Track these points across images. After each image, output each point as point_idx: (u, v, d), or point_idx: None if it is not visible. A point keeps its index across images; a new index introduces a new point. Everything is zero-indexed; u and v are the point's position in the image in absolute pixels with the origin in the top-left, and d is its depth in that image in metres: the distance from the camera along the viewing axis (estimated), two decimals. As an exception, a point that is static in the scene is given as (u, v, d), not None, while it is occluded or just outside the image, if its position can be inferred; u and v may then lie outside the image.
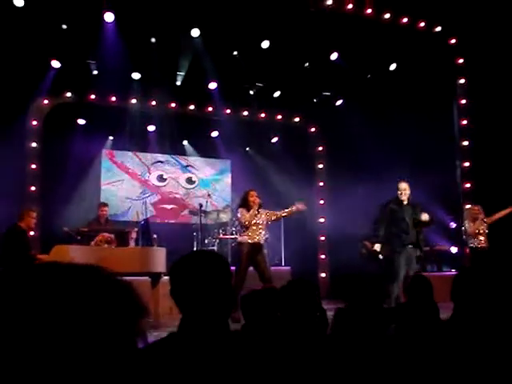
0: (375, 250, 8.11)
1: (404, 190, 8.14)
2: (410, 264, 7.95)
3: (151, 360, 1.71)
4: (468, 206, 9.47)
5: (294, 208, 8.23)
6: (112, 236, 7.29)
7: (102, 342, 0.88)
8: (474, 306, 3.33)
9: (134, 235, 7.58)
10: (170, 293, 1.86)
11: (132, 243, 7.52)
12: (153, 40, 10.75)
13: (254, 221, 7.90)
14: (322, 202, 13.70)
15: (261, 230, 7.97)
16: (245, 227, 8.03)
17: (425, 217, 8.04)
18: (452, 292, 3.47)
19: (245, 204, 8.07)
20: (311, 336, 2.75)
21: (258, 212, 7.99)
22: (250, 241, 7.84)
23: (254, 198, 7.99)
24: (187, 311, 1.81)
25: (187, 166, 13.77)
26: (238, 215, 8.17)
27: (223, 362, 1.70)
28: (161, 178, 13.42)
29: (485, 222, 9.06)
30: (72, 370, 0.84)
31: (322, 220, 13.59)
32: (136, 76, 11.34)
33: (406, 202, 8.18)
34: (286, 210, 8.29)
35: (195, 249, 10.93)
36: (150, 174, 13.32)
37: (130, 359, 0.94)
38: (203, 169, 13.92)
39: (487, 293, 3.25)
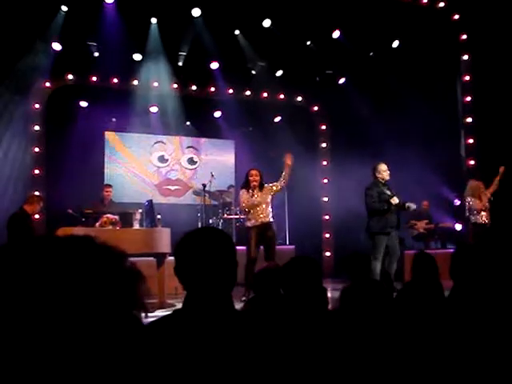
0: (398, 204, 8.15)
1: (385, 170, 8.24)
2: (393, 243, 8.06)
3: (155, 335, 1.72)
4: (471, 182, 9.43)
5: (286, 168, 8.09)
6: (116, 217, 7.29)
7: (100, 311, 0.89)
8: (472, 283, 3.33)
9: (138, 216, 7.59)
10: (174, 270, 1.86)
11: (136, 224, 7.53)
12: (153, 20, 10.71)
13: (259, 200, 7.81)
14: (325, 180, 13.71)
15: (266, 209, 7.88)
16: (246, 211, 7.99)
17: (412, 207, 8.27)
18: (451, 269, 3.47)
19: (245, 185, 8.01)
20: (311, 313, 2.76)
21: (261, 190, 7.91)
22: (256, 223, 7.78)
23: (253, 177, 7.90)
24: (191, 288, 1.82)
25: (189, 146, 13.76)
26: (240, 197, 8.13)
27: (226, 338, 1.71)
28: (162, 159, 13.41)
29: (487, 197, 9.07)
30: (71, 340, 0.85)
31: (325, 199, 13.61)
32: (137, 57, 11.30)
33: (384, 183, 8.27)
34: (282, 175, 8.11)
35: (199, 229, 10.95)
36: (151, 154, 13.32)
37: (131, 328, 0.94)
38: (206, 149, 13.91)
39: (486, 269, 3.25)
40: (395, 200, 8.04)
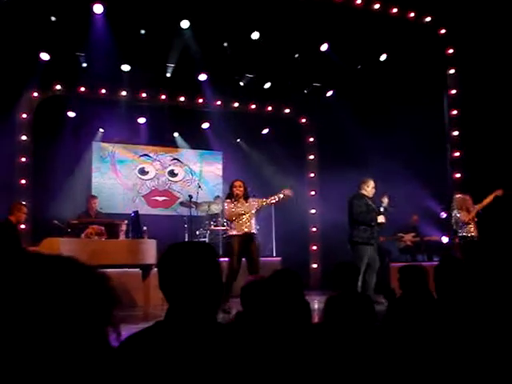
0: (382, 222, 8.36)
1: (373, 187, 8.47)
2: (374, 255, 8.19)
3: (136, 347, 1.72)
4: (458, 195, 9.47)
5: (281, 195, 8.19)
6: (102, 228, 7.26)
7: (72, 329, 0.89)
8: (456, 296, 3.35)
9: (124, 227, 7.56)
10: (158, 284, 1.86)
11: (122, 235, 7.50)
12: (142, 32, 10.71)
13: (241, 211, 7.84)
14: (313, 193, 13.73)
15: (249, 220, 7.91)
16: (229, 220, 8.02)
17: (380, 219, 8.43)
18: (435, 283, 3.49)
19: (229, 195, 8.05)
20: (294, 326, 2.76)
21: (246, 202, 7.94)
22: (238, 233, 7.80)
23: (237, 188, 7.94)
24: (174, 301, 1.82)
25: (176, 158, 13.73)
26: (224, 207, 8.16)
27: (207, 352, 1.71)
28: (147, 172, 13.36)
29: (475, 211, 9.09)
30: (41, 356, 0.85)
31: (313, 211, 13.63)
32: (126, 68, 11.30)
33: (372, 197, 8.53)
34: (275, 197, 8.21)
35: (186, 240, 10.94)
36: (138, 166, 13.29)
37: (101, 348, 0.95)
38: (194, 160, 13.90)
39: (470, 282, 3.27)
40: (381, 219, 8.20)
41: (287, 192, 8.21)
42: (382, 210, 8.39)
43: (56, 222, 8.53)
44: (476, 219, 9.11)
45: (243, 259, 7.86)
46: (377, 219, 8.25)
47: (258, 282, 3.57)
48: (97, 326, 0.93)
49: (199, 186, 12.27)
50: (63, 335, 0.88)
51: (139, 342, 1.75)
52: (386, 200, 8.49)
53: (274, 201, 8.20)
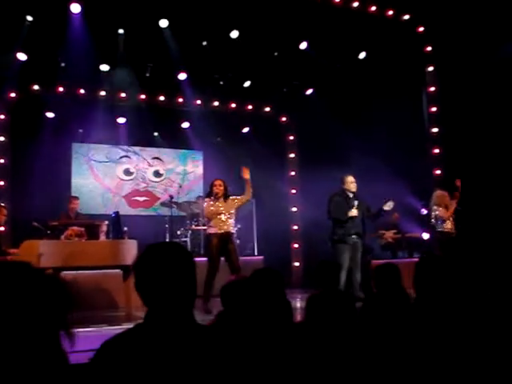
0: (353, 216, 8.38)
1: (351, 182, 8.49)
2: (354, 253, 8.23)
3: (116, 350, 1.70)
4: (437, 192, 9.53)
5: (246, 183, 8.11)
6: (82, 229, 7.20)
7: (20, 331, 0.89)
8: (435, 293, 3.37)
9: (104, 228, 7.50)
10: (134, 286, 1.85)
11: (102, 236, 7.45)
12: (121, 31, 10.65)
13: (221, 210, 7.84)
14: (294, 191, 13.75)
15: (229, 219, 7.90)
16: (208, 219, 8.00)
17: (388, 206, 8.58)
18: (414, 280, 3.51)
19: (209, 194, 8.05)
20: (275, 325, 2.75)
21: (225, 201, 7.94)
22: (218, 231, 7.80)
23: (217, 187, 7.94)
24: (151, 303, 1.81)
25: (156, 157, 13.68)
26: (204, 206, 8.15)
27: (187, 353, 1.70)
28: (127, 172, 13.30)
29: (454, 207, 9.16)
30: None
31: (294, 209, 13.64)
32: (104, 68, 11.23)
33: (352, 195, 8.54)
34: (245, 190, 8.16)
35: (167, 240, 10.90)
36: (119, 166, 13.22)
37: (51, 350, 0.94)
38: (174, 160, 13.86)
39: (449, 279, 3.28)
40: (352, 213, 8.25)
41: (245, 175, 8.08)
42: (355, 203, 8.42)
43: (35, 223, 8.45)
44: (454, 215, 9.18)
45: (222, 259, 7.87)
46: (347, 214, 8.29)
47: (239, 282, 3.56)
48: (47, 329, 0.92)
49: (180, 186, 12.24)
50: (12, 337, 0.88)
51: (119, 345, 1.74)
52: (390, 204, 8.54)
53: (245, 194, 8.12)
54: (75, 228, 7.18)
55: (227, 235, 7.83)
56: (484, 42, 9.87)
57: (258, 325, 2.73)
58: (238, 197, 8.14)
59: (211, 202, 7.93)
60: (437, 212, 9.19)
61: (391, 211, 10.48)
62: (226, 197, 7.97)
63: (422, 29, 11.41)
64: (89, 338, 5.62)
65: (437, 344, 2.91)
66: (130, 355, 1.68)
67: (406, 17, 11.23)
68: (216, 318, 3.70)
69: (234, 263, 7.75)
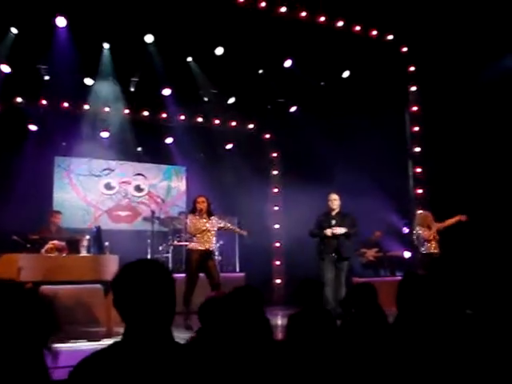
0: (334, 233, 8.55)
1: (333, 200, 8.59)
2: (337, 271, 8.39)
3: (93, 367, 1.69)
4: (420, 212, 9.58)
5: (242, 231, 8.43)
6: (63, 244, 7.15)
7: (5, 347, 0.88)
8: (416, 311, 3.38)
9: (85, 243, 7.45)
10: (113, 303, 1.84)
11: (83, 251, 7.40)
12: (106, 45, 10.65)
13: (204, 227, 7.83)
14: (276, 208, 13.75)
15: (211, 237, 7.90)
16: (191, 235, 7.99)
17: (340, 230, 8.59)
18: (397, 298, 3.52)
19: (193, 210, 8.05)
20: (254, 342, 2.74)
21: (209, 218, 7.94)
22: (199, 247, 7.79)
23: (200, 204, 7.93)
24: (130, 320, 1.79)
25: (138, 173, 13.62)
26: (187, 222, 8.16)
27: (165, 371, 1.69)
28: (110, 187, 13.24)
29: (437, 228, 9.18)
30: None
31: (276, 226, 13.63)
32: (89, 82, 11.21)
33: (334, 212, 8.65)
34: (236, 228, 8.45)
35: (149, 256, 10.85)
36: (101, 180, 13.15)
37: (35, 368, 0.94)
38: (157, 175, 13.82)
39: (431, 298, 3.30)
40: (327, 232, 8.35)
41: (245, 233, 8.39)
42: (333, 222, 8.51)
43: (15, 237, 8.37)
44: (437, 237, 9.20)
45: (203, 275, 7.87)
46: (323, 233, 8.40)
47: (216, 299, 3.54)
48: (31, 347, 0.92)
49: (162, 201, 12.19)
50: None
51: (96, 363, 1.72)
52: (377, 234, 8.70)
53: (232, 228, 8.43)
54: (56, 242, 7.12)
55: (208, 252, 7.84)
56: (466, 62, 9.99)
57: (237, 342, 2.72)
58: (225, 224, 8.28)
59: (196, 218, 7.92)
60: (419, 232, 9.22)
61: (372, 229, 10.57)
62: (209, 214, 7.97)
63: (405, 49, 11.54)
64: (68, 353, 5.59)
65: (417, 363, 2.91)
66: (106, 373, 1.66)
67: (390, 37, 11.35)
68: (196, 335, 3.68)
69: (214, 279, 7.73)
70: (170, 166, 13.88)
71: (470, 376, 2.87)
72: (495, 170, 10.19)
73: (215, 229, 8.00)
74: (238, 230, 8.50)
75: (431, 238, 9.14)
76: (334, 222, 8.54)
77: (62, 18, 9.56)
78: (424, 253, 9.17)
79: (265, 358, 2.69)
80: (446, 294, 3.23)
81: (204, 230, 7.81)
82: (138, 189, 13.56)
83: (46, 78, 10.83)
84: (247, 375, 2.37)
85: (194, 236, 7.87)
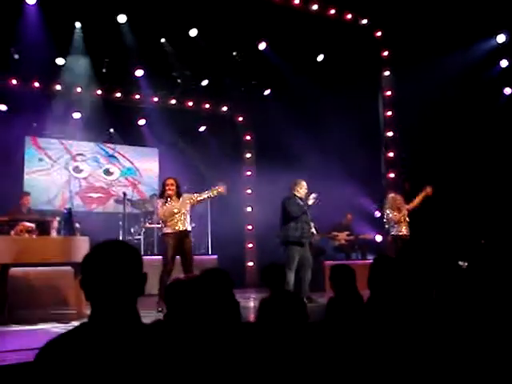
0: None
1: (306, 188, 8.59)
2: (306, 253, 8.38)
3: (59, 349, 1.68)
4: (390, 195, 9.64)
5: (215, 191, 8.08)
6: (33, 225, 7.06)
7: None
8: (388, 292, 3.42)
9: (55, 224, 7.36)
10: (79, 284, 1.83)
11: (54, 233, 7.31)
12: (78, 24, 10.50)
13: (176, 210, 7.72)
14: (249, 191, 13.76)
15: (183, 217, 7.79)
16: (163, 220, 7.88)
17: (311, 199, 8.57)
18: (369, 280, 3.57)
19: (162, 194, 7.92)
20: (223, 326, 2.74)
21: (179, 199, 7.82)
22: (173, 231, 7.69)
23: (169, 187, 7.80)
24: (95, 302, 1.78)
25: (111, 155, 13.52)
26: (157, 206, 8.03)
27: (131, 352, 1.68)
28: (81, 170, 13.11)
29: (407, 210, 9.25)
30: None
31: (249, 209, 13.66)
32: (60, 61, 11.05)
33: (303, 198, 8.62)
34: (208, 193, 8.09)
35: (121, 238, 10.79)
36: (73, 162, 13.02)
37: None
38: (130, 157, 13.72)
39: (402, 279, 3.35)
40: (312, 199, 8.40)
41: (221, 189, 8.10)
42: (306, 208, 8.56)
43: (-16, 218, 8.27)
44: (407, 219, 9.27)
45: (177, 257, 7.78)
46: (305, 205, 8.49)
47: (183, 282, 3.53)
48: None
49: (134, 184, 12.14)
50: None
51: (61, 345, 1.71)
52: (313, 196, 8.59)
53: (206, 195, 8.07)
54: (25, 224, 7.04)
55: (183, 233, 7.72)
56: (440, 48, 10.03)
57: (204, 325, 2.72)
58: (196, 195, 8.01)
59: (164, 203, 7.81)
60: (390, 215, 9.28)
61: (344, 212, 10.63)
62: (178, 195, 7.85)
63: (379, 33, 11.55)
64: (38, 335, 5.56)
65: (390, 343, 2.95)
66: (72, 355, 1.66)
67: (364, 21, 11.36)
68: (164, 317, 3.67)
69: (187, 262, 7.66)
70: (142, 148, 13.80)
71: (439, 354, 2.92)
72: (466, 154, 10.30)
73: (187, 208, 7.86)
74: (213, 192, 8.12)
75: (401, 220, 9.20)
76: (306, 208, 8.56)
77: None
78: (394, 235, 9.24)
79: (232, 340, 2.69)
80: (415, 276, 3.28)
81: (176, 213, 7.72)
82: (110, 172, 13.45)
83: (16, 56, 10.63)
84: (213, 356, 2.38)
85: (166, 221, 7.79)
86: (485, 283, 3.57)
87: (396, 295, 3.41)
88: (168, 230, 7.73)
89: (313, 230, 8.77)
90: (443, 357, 2.91)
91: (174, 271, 7.54)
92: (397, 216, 9.17)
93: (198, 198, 7.99)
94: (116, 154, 13.57)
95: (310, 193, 8.59)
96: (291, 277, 8.07)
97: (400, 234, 9.20)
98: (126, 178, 13.47)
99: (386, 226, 9.41)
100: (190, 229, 7.88)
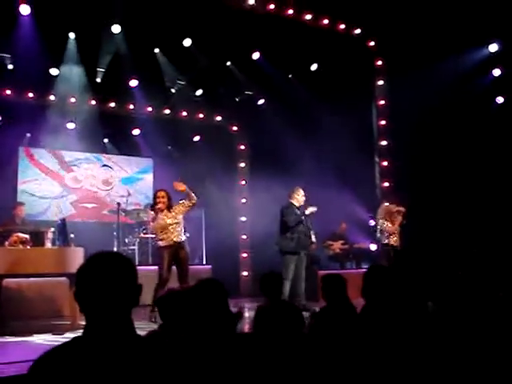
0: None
1: (303, 196, 8.58)
2: (300, 263, 8.32)
3: (51, 364, 1.67)
4: (384, 205, 9.65)
5: (186, 193, 7.91)
6: (27, 236, 7.06)
7: None
8: (382, 301, 3.43)
9: (50, 235, 7.36)
10: (74, 295, 1.82)
11: (48, 243, 7.31)
12: (72, 35, 10.51)
13: (168, 222, 7.70)
14: (243, 200, 13.76)
15: (177, 228, 7.76)
16: (156, 233, 7.87)
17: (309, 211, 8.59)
18: (362, 288, 3.59)
19: (153, 207, 7.88)
20: (217, 337, 2.74)
21: (170, 211, 7.79)
22: (167, 244, 7.68)
23: (159, 199, 7.76)
24: (90, 313, 1.78)
25: (106, 165, 13.50)
26: (149, 219, 8.01)
27: (126, 364, 1.68)
28: (75, 180, 13.09)
29: (400, 220, 9.26)
30: None
31: (243, 219, 13.65)
32: (54, 72, 11.05)
33: (301, 207, 8.65)
34: (186, 198, 7.93)
35: (115, 249, 10.77)
36: (67, 173, 13.00)
37: None
38: (125, 167, 13.72)
39: (395, 288, 3.36)
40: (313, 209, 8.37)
41: (179, 188, 7.83)
42: (303, 219, 8.55)
43: (-22, 229, 8.25)
44: (400, 230, 9.29)
45: (173, 267, 7.77)
46: (303, 214, 8.46)
47: (177, 293, 3.52)
48: None
49: (129, 194, 12.11)
50: None
51: (56, 357, 1.71)
52: (311, 209, 8.59)
53: (187, 199, 7.88)
54: (20, 234, 7.03)
55: (178, 245, 7.72)
56: (433, 57, 10.07)
57: (199, 336, 2.72)
58: (183, 202, 7.93)
59: (156, 216, 7.78)
60: (383, 225, 9.28)
61: (338, 221, 10.62)
62: (169, 208, 7.81)
63: (372, 43, 11.60)
64: (32, 347, 5.54)
65: (384, 351, 2.96)
66: (66, 368, 1.65)
67: (358, 31, 11.40)
68: (159, 329, 3.66)
69: (183, 273, 7.66)
70: (136, 158, 13.79)
71: (434, 363, 2.93)
72: (460, 164, 10.33)
73: (179, 218, 7.81)
74: (187, 197, 7.94)
75: (394, 231, 9.22)
76: (303, 218, 8.54)
77: (26, 5, 9.38)
78: (386, 244, 9.25)
79: (227, 351, 2.69)
80: (409, 285, 3.29)
81: (168, 225, 7.70)
82: (106, 182, 13.44)
83: (10, 67, 10.63)
84: (208, 367, 2.37)
85: (159, 234, 7.78)
86: (478, 291, 3.58)
87: (390, 304, 3.42)
88: (163, 244, 7.73)
89: (313, 238, 8.73)
90: (439, 364, 2.92)
91: (169, 282, 7.54)
92: (391, 227, 9.18)
93: (185, 203, 7.89)
94: (110, 164, 13.55)
95: (308, 203, 8.61)
96: (287, 286, 8.09)
97: (392, 243, 9.22)
98: (121, 188, 13.42)
99: (378, 235, 9.41)
100: (184, 239, 7.87)
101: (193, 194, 7.86)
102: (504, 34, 10.20)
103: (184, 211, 7.92)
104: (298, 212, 8.53)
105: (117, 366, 1.66)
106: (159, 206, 7.71)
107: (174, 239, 7.68)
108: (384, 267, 4.09)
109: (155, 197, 7.85)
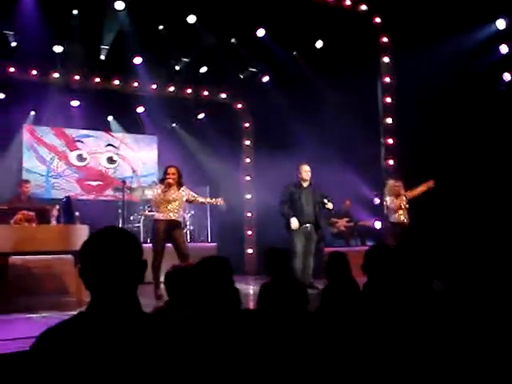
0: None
1: (306, 171, 8.50)
2: (307, 241, 8.28)
3: (56, 338, 1.67)
4: (390, 182, 9.62)
5: (214, 201, 8.19)
6: (32, 214, 7.05)
7: None
8: (384, 277, 3.44)
9: (55, 213, 7.36)
10: (78, 272, 1.82)
11: (53, 221, 7.32)
12: (75, 12, 10.44)
13: (171, 197, 7.72)
14: (248, 178, 13.76)
15: (177, 207, 7.79)
16: (157, 205, 7.89)
17: (329, 206, 8.51)
18: (363, 265, 3.60)
19: (162, 181, 7.92)
20: (223, 313, 2.75)
21: (179, 189, 7.82)
22: (165, 218, 7.69)
23: (169, 175, 7.79)
24: (95, 290, 1.78)
25: (111, 144, 13.49)
26: (155, 191, 8.04)
27: (132, 341, 1.68)
28: (80, 158, 13.10)
29: (405, 197, 9.24)
30: None
31: (248, 196, 13.66)
32: (58, 49, 11.00)
33: (306, 184, 8.56)
34: (207, 199, 8.25)
35: (120, 226, 10.79)
36: (71, 151, 13.00)
37: None
38: (129, 145, 13.70)
39: (398, 266, 3.35)
40: (294, 224, 8.28)
41: (220, 202, 8.21)
42: (303, 197, 8.49)
43: (-17, 207, 8.27)
44: (407, 206, 9.26)
45: (169, 245, 7.79)
46: (289, 222, 8.35)
47: (182, 269, 3.53)
48: None
49: (133, 171, 12.11)
50: None
51: (60, 333, 1.71)
52: (330, 205, 8.57)
53: (202, 200, 8.17)
54: (25, 212, 7.03)
55: (174, 223, 7.74)
56: (439, 33, 9.98)
57: (204, 312, 2.73)
58: (194, 194, 8.04)
59: (163, 189, 7.79)
60: (389, 202, 9.27)
61: (343, 199, 10.61)
62: (179, 185, 7.85)
63: (378, 20, 11.49)
64: (38, 324, 5.57)
65: (385, 331, 2.96)
66: (70, 344, 1.65)
67: (363, 7, 11.29)
68: (165, 305, 3.68)
69: (181, 249, 7.64)
70: (141, 136, 13.78)
71: (437, 345, 2.93)
72: (465, 142, 10.27)
73: (183, 199, 7.87)
74: (211, 200, 8.31)
75: (400, 207, 9.19)
76: (303, 196, 8.49)
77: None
78: (393, 222, 9.24)
79: (233, 327, 2.70)
80: (415, 265, 3.28)
81: (171, 202, 7.72)
82: (110, 159, 13.44)
83: (13, 44, 10.58)
84: (213, 344, 2.38)
85: (159, 207, 7.79)
86: (484, 270, 3.57)
87: (393, 282, 3.42)
88: (159, 217, 7.75)
89: (329, 205, 8.59)
90: (443, 345, 2.92)
91: (171, 260, 7.55)
92: (396, 203, 9.16)
93: (197, 199, 8.05)
94: (115, 141, 13.55)
95: (328, 199, 8.53)
96: (296, 263, 8.07)
97: (399, 221, 9.19)
98: (126, 166, 13.42)
99: (386, 213, 9.41)
100: (181, 220, 7.92)
101: (208, 201, 8.27)
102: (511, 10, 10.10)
103: (189, 199, 7.98)
104: (294, 190, 8.49)
105: (121, 341, 1.67)
106: (169, 180, 7.73)
107: (172, 217, 7.70)
108: (386, 246, 4.08)
109: (166, 172, 7.86)
